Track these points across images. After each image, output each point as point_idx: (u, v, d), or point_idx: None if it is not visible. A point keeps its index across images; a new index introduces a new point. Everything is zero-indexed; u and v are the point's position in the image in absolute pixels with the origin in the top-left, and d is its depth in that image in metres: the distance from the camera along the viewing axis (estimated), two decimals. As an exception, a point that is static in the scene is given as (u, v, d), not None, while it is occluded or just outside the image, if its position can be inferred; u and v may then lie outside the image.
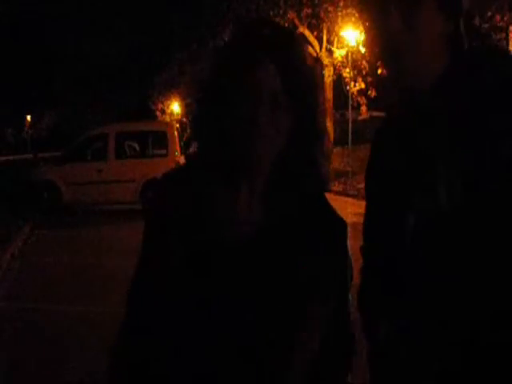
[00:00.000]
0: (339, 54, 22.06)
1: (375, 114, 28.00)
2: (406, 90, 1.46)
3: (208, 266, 1.37)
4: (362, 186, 21.16)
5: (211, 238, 1.38)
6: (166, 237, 1.40)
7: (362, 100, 22.54)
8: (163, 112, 43.45)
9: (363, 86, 21.95)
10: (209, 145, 1.39)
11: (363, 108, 22.93)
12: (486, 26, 14.51)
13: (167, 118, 40.18)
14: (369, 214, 1.62)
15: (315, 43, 22.55)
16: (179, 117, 39.11)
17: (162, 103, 43.21)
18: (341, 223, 1.45)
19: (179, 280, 1.37)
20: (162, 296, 1.39)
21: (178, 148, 16.11)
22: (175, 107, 41.66)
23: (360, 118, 26.74)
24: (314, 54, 22.92)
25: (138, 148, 17.91)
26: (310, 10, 21.15)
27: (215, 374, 1.36)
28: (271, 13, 21.38)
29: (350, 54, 21.38)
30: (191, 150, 1.48)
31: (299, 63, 1.37)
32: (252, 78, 1.32)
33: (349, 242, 1.45)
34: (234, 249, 1.37)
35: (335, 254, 1.43)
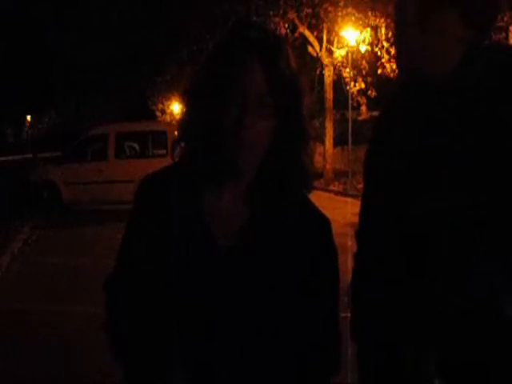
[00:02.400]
0: (339, 54, 22.05)
1: (375, 114, 28.01)
2: (415, 87, 1.45)
3: (192, 268, 1.37)
4: (361, 185, 21.13)
5: (194, 239, 1.39)
6: (146, 235, 1.42)
7: (362, 100, 22.56)
8: (163, 112, 43.43)
9: (363, 85, 21.95)
10: (195, 146, 1.40)
11: (363, 108, 22.94)
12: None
13: (167, 118, 40.18)
14: (366, 204, 1.61)
15: (315, 43, 22.54)
16: (179, 117, 38.97)
17: (162, 103, 43.20)
18: (325, 221, 1.46)
19: (161, 279, 1.38)
20: (141, 293, 1.39)
21: (177, 148, 16.08)
22: (175, 107, 41.66)
23: (360, 118, 26.72)
24: (314, 54, 22.92)
25: (138, 148, 17.90)
26: (310, 10, 21.14)
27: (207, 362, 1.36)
28: (271, 13, 21.37)
29: (349, 54, 21.37)
30: (177, 151, 1.48)
31: (285, 66, 1.40)
32: (239, 81, 1.33)
33: (335, 239, 1.46)
34: (219, 249, 1.38)
35: (321, 252, 1.44)
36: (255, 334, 1.36)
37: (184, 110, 1.45)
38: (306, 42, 23.10)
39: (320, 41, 22.51)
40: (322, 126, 23.89)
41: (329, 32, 21.95)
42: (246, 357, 1.36)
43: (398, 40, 1.44)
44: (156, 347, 1.38)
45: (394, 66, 20.60)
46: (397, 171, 1.44)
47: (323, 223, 1.46)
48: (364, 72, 21.94)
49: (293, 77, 1.42)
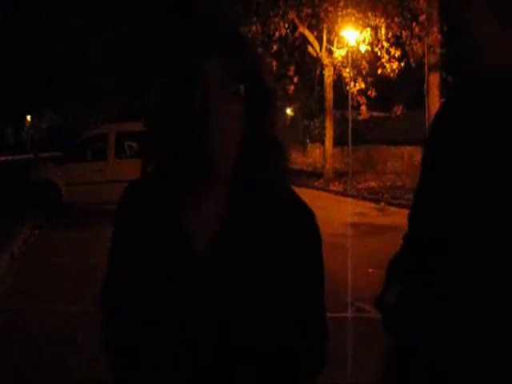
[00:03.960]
0: (339, 54, 22.06)
1: (375, 114, 28.01)
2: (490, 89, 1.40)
3: (173, 275, 1.36)
4: (362, 186, 21.19)
5: (172, 246, 1.37)
6: (129, 247, 1.42)
7: (362, 100, 22.54)
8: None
9: (363, 85, 21.95)
10: (165, 147, 1.37)
11: (363, 108, 22.93)
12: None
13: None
14: (422, 184, 1.53)
15: (315, 43, 22.55)
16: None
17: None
18: (309, 213, 1.42)
19: (146, 284, 1.37)
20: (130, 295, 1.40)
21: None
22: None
23: (360, 118, 26.73)
24: (314, 54, 22.93)
25: (137, 148, 17.90)
26: (309, 10, 21.15)
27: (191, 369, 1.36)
28: (271, 13, 21.38)
29: (349, 54, 21.38)
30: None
31: (249, 50, 1.37)
32: (201, 69, 1.30)
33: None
34: (198, 253, 1.36)
35: (306, 251, 1.42)
36: (241, 335, 1.34)
37: (150, 103, 1.40)
38: (306, 41, 23.10)
39: (320, 41, 22.52)
40: (322, 126, 23.91)
41: (329, 32, 21.96)
42: (232, 361, 1.35)
43: (470, 38, 1.36)
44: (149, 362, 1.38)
45: (394, 66, 20.62)
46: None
47: (308, 220, 1.42)
48: (364, 72, 21.94)
49: (256, 61, 1.37)
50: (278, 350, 1.37)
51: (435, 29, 17.93)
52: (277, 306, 1.36)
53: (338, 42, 21.95)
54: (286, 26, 21.98)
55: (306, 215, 1.42)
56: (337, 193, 19.37)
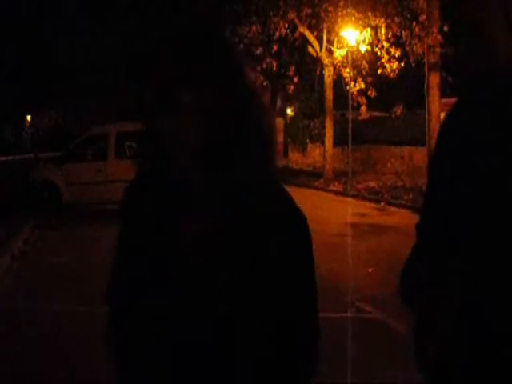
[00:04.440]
0: (339, 54, 22.05)
1: (375, 114, 28.01)
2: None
3: (169, 269, 1.41)
4: (361, 186, 21.19)
5: (169, 240, 1.42)
6: (130, 236, 1.49)
7: (362, 100, 22.54)
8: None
9: (363, 85, 21.95)
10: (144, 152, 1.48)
11: (363, 108, 22.93)
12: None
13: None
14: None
15: (315, 43, 22.55)
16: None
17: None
18: (299, 217, 1.42)
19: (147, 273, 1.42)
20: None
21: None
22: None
23: (360, 118, 26.73)
24: (314, 54, 22.93)
25: (137, 148, 17.90)
26: (309, 10, 21.14)
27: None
28: (271, 13, 21.38)
29: (349, 54, 21.37)
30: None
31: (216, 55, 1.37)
32: (152, 81, 1.36)
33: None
34: (192, 248, 1.40)
35: (295, 249, 1.41)
36: (227, 329, 1.36)
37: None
38: (306, 41, 23.10)
39: (320, 41, 22.51)
40: (322, 126, 23.91)
41: (329, 32, 21.95)
42: (218, 353, 1.37)
43: (482, 39, 1.35)
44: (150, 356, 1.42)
45: (394, 66, 20.61)
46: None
47: (297, 219, 1.42)
48: (364, 72, 21.94)
49: (215, 57, 1.37)
50: (267, 348, 1.37)
51: (435, 29, 17.93)
52: (265, 305, 1.36)
53: (338, 42, 21.95)
54: (286, 26, 21.97)
55: (296, 214, 1.42)
56: (337, 193, 19.37)
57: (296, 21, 21.81)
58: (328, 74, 22.63)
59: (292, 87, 25.12)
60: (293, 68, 24.55)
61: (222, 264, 1.37)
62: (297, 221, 1.42)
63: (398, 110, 24.63)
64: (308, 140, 32.46)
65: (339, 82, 22.99)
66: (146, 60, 1.39)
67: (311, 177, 24.02)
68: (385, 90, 23.86)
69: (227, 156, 1.36)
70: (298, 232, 1.42)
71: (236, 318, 1.36)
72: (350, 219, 13.53)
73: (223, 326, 1.36)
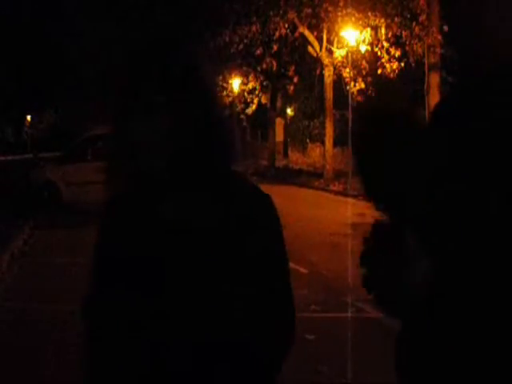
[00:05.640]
0: (339, 54, 22.06)
1: (375, 114, 27.98)
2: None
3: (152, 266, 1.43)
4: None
5: (150, 241, 1.45)
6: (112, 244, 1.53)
7: (362, 100, 22.54)
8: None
9: (363, 85, 21.95)
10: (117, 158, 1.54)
11: (363, 108, 22.91)
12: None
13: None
14: None
15: (315, 43, 22.55)
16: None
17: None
18: (265, 197, 1.50)
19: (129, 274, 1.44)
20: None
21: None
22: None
23: (360, 118, 26.66)
24: (314, 54, 22.93)
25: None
26: (309, 10, 21.15)
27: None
28: (271, 13, 21.38)
29: (349, 54, 21.37)
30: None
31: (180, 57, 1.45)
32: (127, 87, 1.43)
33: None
34: (173, 246, 1.43)
35: (266, 231, 1.47)
36: (213, 324, 1.39)
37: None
38: (306, 42, 23.10)
39: (320, 41, 22.51)
40: (322, 126, 23.91)
41: (329, 32, 21.96)
42: (198, 337, 1.40)
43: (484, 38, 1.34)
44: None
45: (394, 66, 20.62)
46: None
47: (265, 202, 1.49)
48: (364, 72, 21.94)
49: (186, 69, 1.44)
50: (246, 334, 1.42)
51: (435, 29, 17.94)
52: (246, 293, 1.41)
53: (338, 42, 21.95)
54: (286, 26, 21.98)
55: (266, 202, 1.50)
56: (337, 193, 19.36)
57: (296, 21, 21.81)
58: (328, 74, 22.62)
59: (292, 87, 25.16)
60: (293, 68, 24.57)
61: (204, 256, 1.41)
62: (269, 208, 1.49)
63: (398, 110, 24.58)
64: (308, 140, 32.47)
65: (339, 82, 22.99)
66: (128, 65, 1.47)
67: (311, 177, 24.01)
68: (385, 89, 23.83)
69: (196, 156, 1.43)
70: (271, 218, 1.49)
71: (219, 309, 1.40)
72: (351, 219, 13.53)
73: (209, 315, 1.39)
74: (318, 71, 24.08)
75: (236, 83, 28.84)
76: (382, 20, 20.11)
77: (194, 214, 1.44)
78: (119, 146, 1.48)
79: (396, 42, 20.52)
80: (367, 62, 21.69)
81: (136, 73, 1.43)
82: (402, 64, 20.61)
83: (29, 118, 54.07)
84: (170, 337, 1.40)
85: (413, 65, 19.99)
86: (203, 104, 1.44)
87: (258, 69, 26.13)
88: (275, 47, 22.82)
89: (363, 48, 21.11)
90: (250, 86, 28.77)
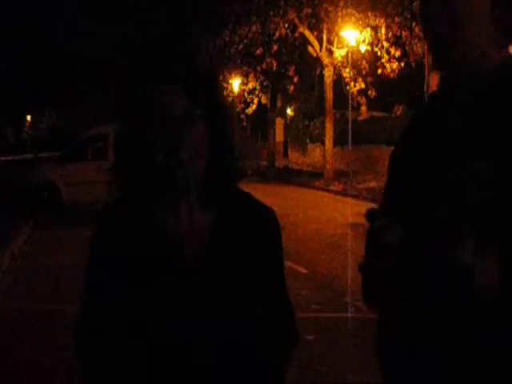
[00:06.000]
0: (339, 54, 22.06)
1: (375, 114, 28.02)
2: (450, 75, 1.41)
3: (164, 280, 1.45)
4: (361, 186, 21.18)
5: (161, 252, 1.47)
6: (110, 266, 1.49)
7: (362, 100, 22.57)
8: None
9: (363, 85, 21.96)
10: (136, 173, 1.49)
11: (363, 108, 22.93)
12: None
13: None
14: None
15: (315, 43, 22.54)
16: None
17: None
18: (269, 210, 1.58)
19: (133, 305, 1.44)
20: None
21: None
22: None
23: (360, 118, 26.73)
24: (314, 54, 22.92)
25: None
26: (310, 10, 21.15)
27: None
28: (271, 13, 21.38)
29: (349, 54, 21.38)
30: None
31: (203, 75, 1.50)
32: (160, 103, 1.43)
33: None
34: (187, 257, 1.46)
35: (271, 240, 1.56)
36: (227, 328, 1.43)
37: (118, 133, 1.53)
38: (306, 42, 23.10)
39: (320, 41, 22.51)
40: (322, 126, 23.90)
41: (329, 32, 21.96)
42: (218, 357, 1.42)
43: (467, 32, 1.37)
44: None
45: (394, 66, 20.62)
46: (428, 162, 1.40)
47: (269, 213, 1.57)
48: (364, 72, 21.95)
49: (211, 86, 1.52)
50: (253, 340, 1.46)
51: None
52: (253, 300, 1.47)
53: (338, 42, 21.95)
54: (286, 25, 21.97)
55: (269, 214, 1.57)
56: (337, 193, 19.35)
57: (296, 21, 21.80)
58: (328, 74, 22.62)
59: (292, 87, 25.14)
60: (293, 68, 24.55)
61: (219, 270, 1.46)
62: (272, 220, 1.57)
63: (398, 110, 24.64)
64: (308, 140, 32.46)
65: (339, 82, 22.99)
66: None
67: (311, 177, 24.01)
68: (385, 90, 23.87)
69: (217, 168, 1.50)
70: (274, 229, 1.57)
71: (235, 309, 1.44)
72: (351, 219, 13.53)
73: (219, 327, 1.42)
74: (317, 71, 24.08)
75: (236, 83, 28.85)
76: (382, 20, 20.11)
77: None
78: (135, 147, 1.46)
79: (396, 42, 20.53)
80: (367, 62, 21.70)
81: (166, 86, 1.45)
82: (402, 64, 20.62)
83: (29, 118, 54.08)
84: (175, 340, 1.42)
85: (413, 65, 19.99)
86: (226, 119, 1.53)
87: (258, 69, 26.13)
88: (275, 47, 22.80)
89: (363, 48, 21.12)
90: (250, 86, 28.78)
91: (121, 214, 1.54)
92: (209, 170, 1.48)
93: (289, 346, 1.56)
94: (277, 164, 30.57)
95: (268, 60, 24.05)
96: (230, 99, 28.54)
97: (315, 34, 22.41)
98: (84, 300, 1.58)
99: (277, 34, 21.85)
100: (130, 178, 1.50)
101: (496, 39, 1.35)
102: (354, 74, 21.88)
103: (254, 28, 21.97)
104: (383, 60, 20.76)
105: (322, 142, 23.56)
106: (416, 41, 19.21)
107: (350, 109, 21.63)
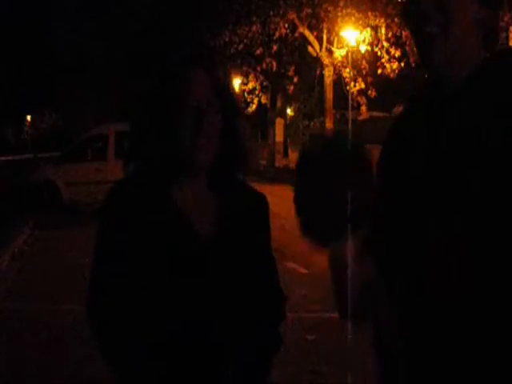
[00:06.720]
0: (339, 54, 22.07)
1: (375, 114, 28.01)
2: (436, 82, 1.41)
3: (178, 258, 1.50)
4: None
5: (175, 230, 1.52)
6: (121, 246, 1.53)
7: (362, 100, 22.57)
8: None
9: (363, 85, 21.96)
10: (154, 152, 1.55)
11: (363, 108, 22.94)
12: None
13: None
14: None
15: (315, 43, 22.55)
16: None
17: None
18: (264, 198, 1.70)
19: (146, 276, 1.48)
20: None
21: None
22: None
23: (360, 118, 26.72)
24: (314, 54, 22.93)
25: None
26: (310, 10, 21.16)
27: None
28: (271, 13, 21.39)
29: (349, 54, 21.39)
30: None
31: (220, 72, 1.61)
32: (187, 89, 1.52)
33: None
34: (201, 236, 1.54)
35: (265, 224, 1.69)
36: (239, 303, 1.53)
37: (136, 118, 1.63)
38: (306, 42, 23.11)
39: (320, 41, 22.52)
40: (322, 126, 23.90)
41: (329, 32, 21.97)
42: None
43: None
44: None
45: (394, 66, 20.63)
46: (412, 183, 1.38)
47: (264, 200, 1.70)
48: (364, 72, 21.95)
49: (225, 80, 1.65)
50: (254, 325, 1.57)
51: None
52: (256, 271, 1.59)
53: (338, 42, 21.96)
54: (286, 25, 21.98)
55: (263, 200, 1.69)
56: (337, 193, 19.35)
57: (296, 21, 21.82)
58: (328, 74, 22.63)
59: (292, 87, 25.13)
60: (293, 68, 24.55)
61: (230, 250, 1.55)
62: (265, 205, 1.70)
63: (398, 110, 24.61)
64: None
65: (339, 82, 23.00)
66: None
67: (311, 177, 23.97)
68: (385, 90, 23.87)
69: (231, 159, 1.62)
70: (267, 214, 1.70)
71: (239, 302, 1.54)
72: (350, 219, 13.50)
73: (232, 309, 1.52)
74: (318, 71, 24.09)
75: (236, 83, 28.86)
76: (382, 20, 20.11)
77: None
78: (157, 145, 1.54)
79: (396, 42, 20.53)
80: (367, 62, 21.71)
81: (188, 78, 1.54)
82: (402, 64, 20.62)
83: (29, 118, 54.10)
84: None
85: (413, 65, 19.99)
86: (238, 111, 1.65)
87: (258, 69, 26.13)
88: (275, 47, 22.82)
89: (363, 48, 21.13)
90: (250, 85, 28.79)
91: (132, 195, 1.57)
92: (219, 156, 1.56)
93: (280, 320, 1.70)
94: (277, 164, 30.57)
95: (268, 60, 24.06)
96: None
97: (315, 34, 22.43)
98: (96, 281, 1.56)
99: (277, 34, 21.87)
100: (147, 159, 1.55)
101: (480, 40, 1.34)
102: (354, 74, 21.89)
103: (254, 28, 21.98)
104: (383, 60, 20.76)
105: (322, 142, 23.50)
106: (416, 41, 19.19)
107: (349, 109, 21.63)
